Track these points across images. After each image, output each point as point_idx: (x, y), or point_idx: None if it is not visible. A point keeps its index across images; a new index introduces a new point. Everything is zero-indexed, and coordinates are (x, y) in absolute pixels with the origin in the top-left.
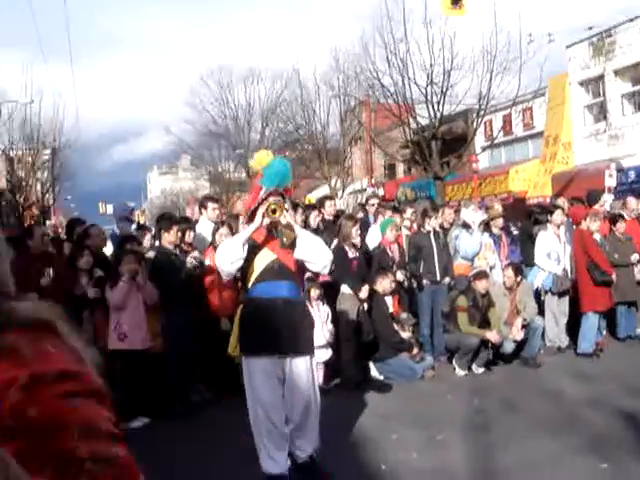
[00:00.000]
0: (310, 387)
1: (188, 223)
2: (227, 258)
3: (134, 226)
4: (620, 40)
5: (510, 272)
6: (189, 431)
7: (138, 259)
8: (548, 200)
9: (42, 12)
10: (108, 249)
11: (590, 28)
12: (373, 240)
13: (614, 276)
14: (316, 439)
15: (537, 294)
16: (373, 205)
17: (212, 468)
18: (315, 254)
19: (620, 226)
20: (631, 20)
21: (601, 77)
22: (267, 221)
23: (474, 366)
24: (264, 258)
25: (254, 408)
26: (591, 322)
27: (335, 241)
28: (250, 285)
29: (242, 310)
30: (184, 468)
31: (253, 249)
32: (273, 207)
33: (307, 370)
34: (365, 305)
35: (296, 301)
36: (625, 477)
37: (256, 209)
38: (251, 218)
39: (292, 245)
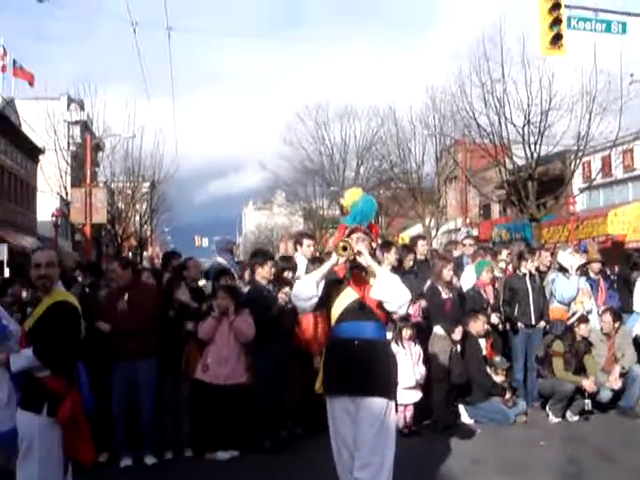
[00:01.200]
0: (381, 432)
1: (288, 262)
2: (301, 295)
3: (235, 259)
4: None
5: (608, 317)
6: (275, 466)
7: (231, 294)
8: None
9: (146, 49)
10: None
11: None
12: (467, 281)
13: None
14: None
15: (636, 342)
16: (467, 245)
17: None
18: (392, 293)
19: None
20: None
21: None
22: (342, 260)
23: (568, 413)
24: (347, 297)
25: (334, 445)
26: None
27: (429, 282)
28: (333, 324)
29: (325, 349)
30: None
31: (336, 287)
32: (342, 245)
33: (380, 413)
34: (458, 347)
35: (377, 342)
36: None
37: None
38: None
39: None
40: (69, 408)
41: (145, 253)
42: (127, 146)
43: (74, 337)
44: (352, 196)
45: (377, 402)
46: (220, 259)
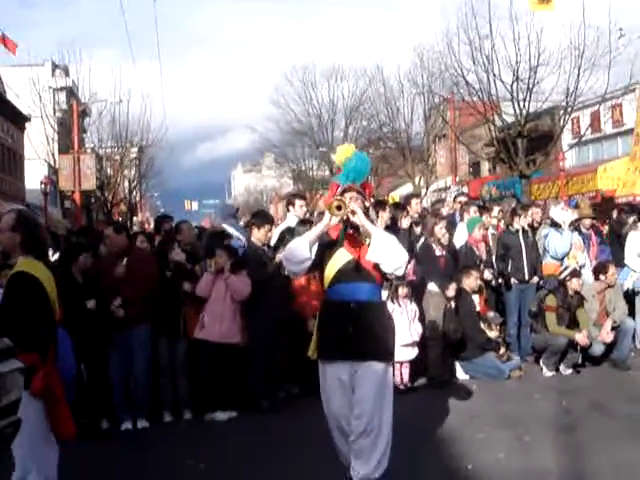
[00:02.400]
0: (379, 397)
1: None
2: (294, 258)
3: (241, 223)
4: None
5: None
6: (272, 426)
7: (228, 253)
8: (638, 199)
9: (131, 13)
10: None
11: None
12: (460, 238)
13: None
14: (375, 463)
15: (628, 295)
16: (460, 203)
17: (293, 464)
18: (389, 255)
19: None
20: None
21: None
22: (335, 220)
23: (562, 367)
24: (341, 258)
25: (326, 412)
26: None
27: (422, 239)
28: (327, 286)
29: (319, 312)
30: (264, 462)
31: (329, 249)
32: (337, 203)
33: (378, 378)
34: (452, 303)
35: (374, 304)
36: None
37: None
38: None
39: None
40: (41, 380)
41: (135, 218)
42: (114, 111)
43: (35, 310)
44: (344, 153)
45: (375, 366)
46: (226, 225)
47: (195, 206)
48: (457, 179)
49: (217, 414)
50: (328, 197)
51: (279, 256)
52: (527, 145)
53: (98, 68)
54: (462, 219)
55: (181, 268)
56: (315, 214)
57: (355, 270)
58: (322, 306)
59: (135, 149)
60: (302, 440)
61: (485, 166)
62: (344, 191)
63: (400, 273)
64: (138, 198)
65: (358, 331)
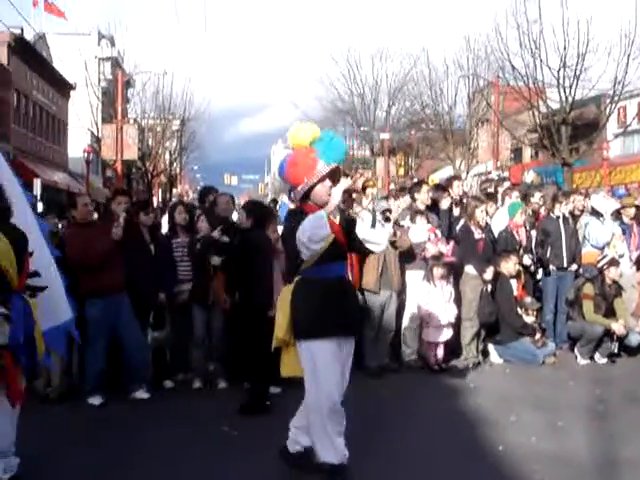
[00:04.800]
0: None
1: None
2: (317, 237)
3: None
4: None
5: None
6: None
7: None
8: None
9: None
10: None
11: None
12: (500, 223)
13: None
14: None
15: None
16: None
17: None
18: (371, 233)
19: None
20: None
21: None
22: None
23: (597, 356)
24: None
25: (318, 393)
26: None
27: (462, 221)
28: (310, 265)
29: (302, 292)
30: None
31: None
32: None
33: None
34: (489, 287)
35: (350, 281)
36: None
37: (314, 186)
38: (307, 195)
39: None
40: None
41: (174, 190)
42: (158, 83)
43: None
44: (311, 133)
45: (353, 341)
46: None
47: (235, 181)
48: (498, 164)
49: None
50: (303, 174)
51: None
52: (571, 133)
53: (144, 39)
54: (503, 203)
55: (211, 242)
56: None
57: (338, 248)
58: (304, 285)
59: (177, 121)
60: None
61: (527, 152)
62: (333, 173)
63: (379, 250)
64: (178, 170)
65: (350, 306)
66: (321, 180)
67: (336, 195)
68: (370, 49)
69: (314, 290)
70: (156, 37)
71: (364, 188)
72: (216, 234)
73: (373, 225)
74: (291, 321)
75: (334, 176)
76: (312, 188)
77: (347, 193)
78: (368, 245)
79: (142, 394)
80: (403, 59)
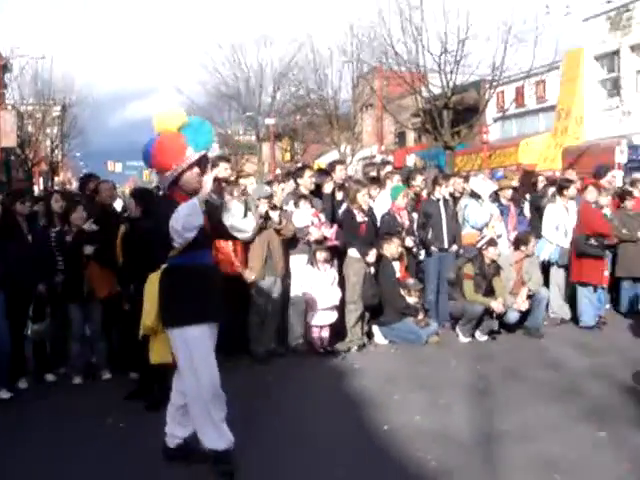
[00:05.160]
0: None
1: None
2: (189, 225)
3: None
4: (637, 15)
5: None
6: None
7: None
8: (557, 174)
9: None
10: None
11: (608, 2)
12: (382, 206)
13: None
14: None
15: (544, 266)
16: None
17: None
18: (238, 222)
19: (629, 203)
20: None
21: (616, 52)
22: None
23: (478, 334)
24: None
25: (198, 380)
26: (585, 296)
27: (344, 205)
28: (181, 253)
29: (169, 279)
30: None
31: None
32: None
33: None
34: (372, 269)
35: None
36: (621, 445)
37: (183, 172)
38: (176, 182)
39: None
40: None
41: (56, 178)
42: (36, 67)
43: None
44: (177, 118)
45: (217, 327)
46: None
47: (119, 167)
48: (383, 148)
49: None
50: (172, 159)
51: None
52: (452, 117)
53: (21, 21)
54: (384, 187)
55: (83, 232)
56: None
57: (204, 236)
58: (171, 273)
59: (58, 107)
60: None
61: (411, 136)
62: (205, 160)
63: (244, 237)
64: (60, 158)
65: (217, 292)
66: (190, 167)
67: (207, 183)
68: (255, 33)
69: (183, 277)
70: (34, 19)
71: (237, 178)
72: (87, 225)
73: (245, 215)
74: (160, 309)
75: (202, 163)
76: (181, 175)
77: (217, 181)
78: (235, 233)
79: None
80: (288, 44)
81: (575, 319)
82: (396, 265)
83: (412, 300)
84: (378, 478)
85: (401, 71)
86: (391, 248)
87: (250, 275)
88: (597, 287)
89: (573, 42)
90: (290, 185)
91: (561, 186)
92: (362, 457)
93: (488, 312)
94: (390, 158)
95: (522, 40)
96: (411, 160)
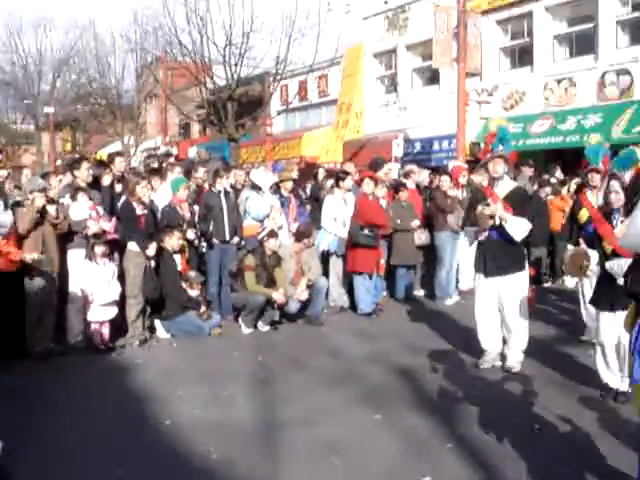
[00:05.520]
0: None
1: None
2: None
3: None
4: (413, 16)
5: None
6: None
7: None
8: (339, 166)
9: None
10: None
11: (386, 2)
12: (163, 198)
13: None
14: None
15: (324, 256)
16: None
17: None
18: None
19: (403, 194)
20: None
21: (394, 50)
22: None
23: (260, 324)
24: None
25: None
26: (361, 284)
27: (123, 197)
28: None
29: None
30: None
31: None
32: None
33: None
34: (152, 262)
35: None
36: (396, 425)
37: None
38: None
39: None
40: None
41: None
42: None
43: None
44: None
45: None
46: None
47: None
48: (167, 139)
49: None
50: None
51: None
52: (237, 109)
53: None
54: (166, 179)
55: None
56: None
57: None
58: None
59: None
60: None
61: (195, 128)
62: None
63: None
64: None
65: None
66: None
67: None
68: (33, 16)
69: None
70: None
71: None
72: None
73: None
74: None
75: None
76: None
77: None
78: None
79: None
80: (69, 29)
81: (354, 307)
82: (177, 258)
83: (194, 293)
84: (160, 474)
85: (186, 62)
86: (172, 241)
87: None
88: (373, 275)
89: (354, 39)
90: (68, 177)
91: (338, 178)
92: (143, 454)
93: (270, 303)
94: (174, 150)
95: (305, 35)
96: (193, 152)
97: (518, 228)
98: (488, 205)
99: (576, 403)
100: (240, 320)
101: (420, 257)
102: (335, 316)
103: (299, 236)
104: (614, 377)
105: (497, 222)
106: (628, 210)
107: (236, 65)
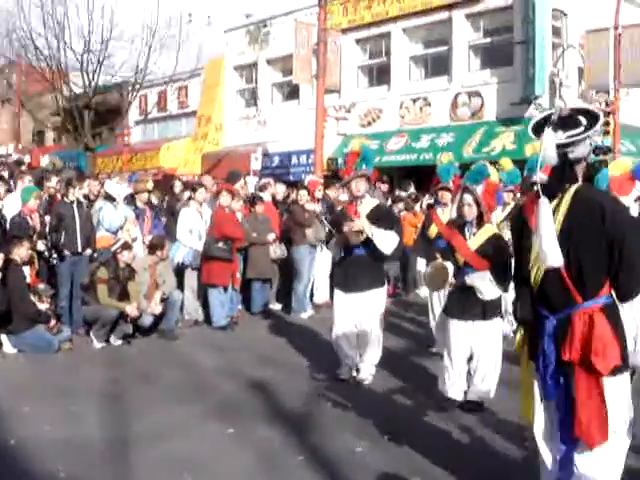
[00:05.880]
0: None
1: None
2: None
3: None
4: (274, 31)
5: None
6: None
7: None
8: (197, 178)
9: None
10: None
11: (247, 16)
12: (13, 207)
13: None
14: None
15: (179, 268)
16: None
17: None
18: None
19: (259, 207)
20: (286, 14)
21: (254, 64)
22: None
23: (112, 338)
24: None
25: None
26: (215, 297)
27: None
28: None
29: None
30: None
31: None
32: None
33: None
34: (0, 274)
35: None
36: (248, 439)
37: None
38: None
39: None
40: None
41: None
42: None
43: None
44: None
45: None
46: None
47: None
48: (20, 146)
49: None
50: None
51: None
52: (94, 118)
53: None
54: (15, 188)
55: None
56: None
57: None
58: None
59: None
60: None
61: (50, 135)
62: None
63: None
64: None
65: None
66: None
67: None
68: None
69: None
70: None
71: None
72: None
73: None
74: None
75: None
76: None
77: None
78: None
79: None
80: None
81: (209, 320)
82: (26, 270)
83: (43, 306)
84: None
85: (41, 67)
86: (21, 252)
87: None
88: (228, 288)
89: (215, 51)
90: None
91: (194, 190)
92: None
93: (122, 316)
94: (27, 157)
95: (166, 45)
96: (45, 161)
97: (386, 241)
98: (353, 221)
99: (424, 412)
100: (92, 334)
101: (276, 271)
102: (189, 329)
103: (152, 248)
104: (456, 388)
105: (364, 237)
106: (479, 223)
107: (94, 72)
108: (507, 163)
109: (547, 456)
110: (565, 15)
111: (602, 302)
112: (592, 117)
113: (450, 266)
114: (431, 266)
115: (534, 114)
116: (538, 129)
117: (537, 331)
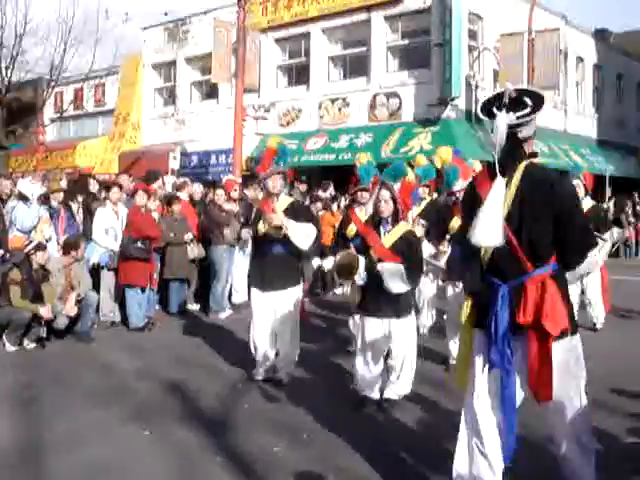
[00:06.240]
0: None
1: None
2: None
3: None
4: (193, 30)
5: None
6: None
7: None
8: (114, 177)
9: None
10: None
11: (166, 14)
12: None
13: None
14: None
15: (94, 269)
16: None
17: None
18: None
19: (176, 207)
20: (205, 13)
21: (173, 63)
22: None
23: (25, 341)
24: None
25: None
26: (132, 297)
27: None
28: None
29: None
30: None
31: None
32: None
33: None
34: None
35: None
36: (166, 441)
37: None
38: None
39: None
40: None
41: None
42: None
43: None
44: None
45: None
46: None
47: None
48: None
49: None
50: None
51: None
52: (7, 115)
53: None
54: None
55: None
56: None
57: None
58: None
59: None
60: None
61: None
62: None
63: None
64: None
65: None
66: None
67: None
68: None
69: None
70: None
71: None
72: None
73: None
74: None
75: None
76: None
77: None
78: None
79: None
80: None
81: (125, 321)
82: None
83: None
84: None
85: None
86: None
87: None
88: (145, 289)
89: (133, 48)
90: None
91: (108, 189)
92: None
93: (36, 318)
94: None
95: (82, 41)
96: None
97: (304, 235)
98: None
99: (342, 411)
100: (4, 338)
101: (194, 271)
102: (106, 331)
103: (67, 248)
104: (372, 387)
105: (284, 232)
106: (394, 220)
107: (7, 69)
108: (422, 159)
109: (485, 424)
110: (481, 19)
111: (551, 269)
112: (537, 97)
113: (361, 258)
114: (341, 255)
115: (450, 115)
116: (486, 110)
117: (489, 299)
